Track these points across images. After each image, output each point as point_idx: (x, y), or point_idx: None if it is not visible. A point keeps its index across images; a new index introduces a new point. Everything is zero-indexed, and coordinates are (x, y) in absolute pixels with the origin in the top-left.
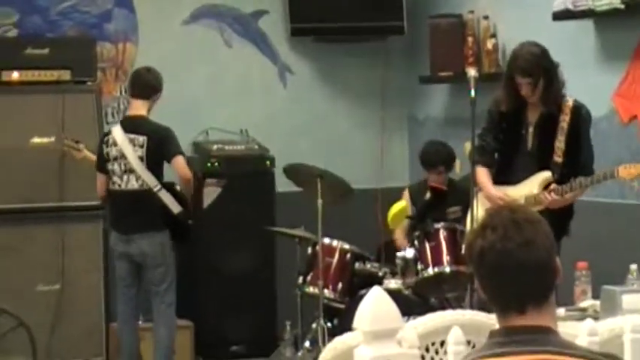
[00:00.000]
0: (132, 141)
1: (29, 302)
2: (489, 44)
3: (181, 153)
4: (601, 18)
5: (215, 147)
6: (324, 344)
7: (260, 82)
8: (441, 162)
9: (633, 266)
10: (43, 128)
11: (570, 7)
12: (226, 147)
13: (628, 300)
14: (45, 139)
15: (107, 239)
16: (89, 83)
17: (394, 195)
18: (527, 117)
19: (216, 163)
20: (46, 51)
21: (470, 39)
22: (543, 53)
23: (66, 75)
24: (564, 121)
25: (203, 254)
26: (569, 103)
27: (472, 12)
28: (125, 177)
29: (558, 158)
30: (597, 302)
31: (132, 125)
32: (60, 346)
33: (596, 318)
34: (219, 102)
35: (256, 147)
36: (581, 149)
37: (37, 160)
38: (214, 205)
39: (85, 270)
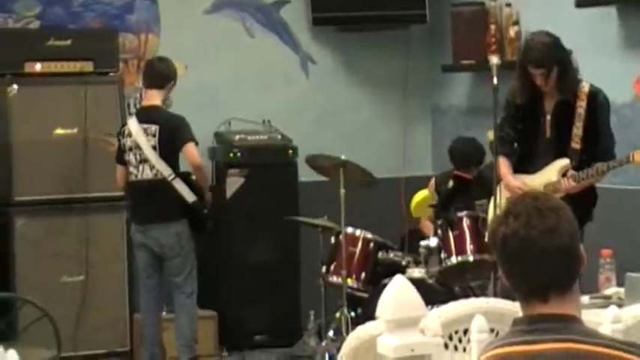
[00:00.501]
0: (145, 131)
1: (54, 293)
2: (512, 32)
3: (192, 140)
4: (624, 5)
5: (237, 137)
6: (347, 334)
7: (282, 72)
8: (471, 162)
9: None
10: (66, 120)
11: None
12: (249, 137)
13: None
14: (68, 131)
15: (130, 230)
16: (111, 74)
17: (417, 184)
18: (544, 106)
19: (239, 154)
20: (68, 42)
21: (492, 27)
22: (555, 42)
23: (88, 66)
24: (581, 107)
25: (226, 244)
26: (585, 88)
27: (494, 0)
28: (140, 167)
29: (576, 145)
30: (621, 290)
31: (145, 115)
32: (84, 337)
33: (620, 305)
34: (242, 92)
35: (279, 137)
36: (599, 134)
37: (61, 151)
38: (237, 195)
39: (108, 261)
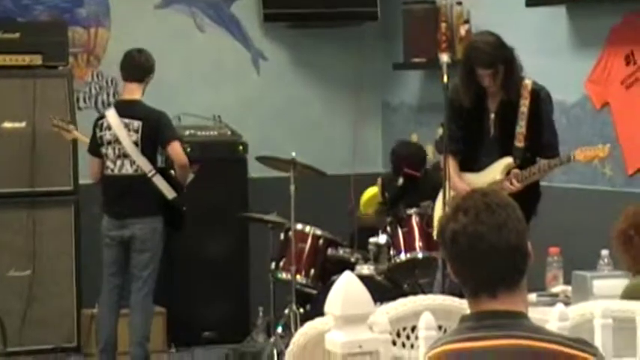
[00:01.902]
0: (126, 125)
1: (0, 288)
2: (462, 30)
3: (177, 138)
4: (574, 4)
5: (187, 132)
6: (296, 330)
7: (233, 67)
8: (412, 168)
9: (604, 252)
10: (15, 113)
11: None
12: (199, 133)
13: (599, 285)
14: (16, 124)
15: (79, 225)
16: (61, 68)
17: (367, 181)
18: (488, 104)
19: (189, 149)
20: (17, 35)
21: (443, 25)
22: (499, 41)
23: (37, 60)
24: (524, 105)
25: (175, 240)
26: (528, 86)
27: None
28: (119, 162)
29: (519, 143)
30: (568, 287)
31: (126, 109)
32: (31, 332)
33: (567, 303)
34: (192, 88)
35: (229, 133)
36: (543, 131)
37: (8, 145)
38: (187, 191)
39: (56, 255)
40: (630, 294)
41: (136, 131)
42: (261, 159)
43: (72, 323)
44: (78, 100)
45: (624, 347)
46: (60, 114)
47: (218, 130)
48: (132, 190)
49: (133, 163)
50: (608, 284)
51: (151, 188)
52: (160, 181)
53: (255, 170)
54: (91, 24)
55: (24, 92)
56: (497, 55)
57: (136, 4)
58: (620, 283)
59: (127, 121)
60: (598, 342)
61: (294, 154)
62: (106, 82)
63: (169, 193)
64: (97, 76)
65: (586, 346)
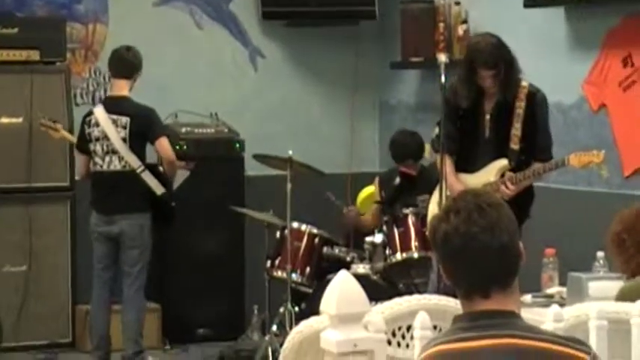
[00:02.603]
0: (115, 122)
1: None
2: (460, 30)
3: (165, 134)
4: (572, 6)
5: (184, 130)
6: (291, 328)
7: (231, 65)
8: (409, 156)
9: (600, 253)
10: (11, 108)
11: None
12: (195, 130)
13: (594, 287)
14: (13, 120)
15: (75, 220)
16: (58, 64)
17: (364, 180)
18: (484, 105)
19: (185, 146)
20: (15, 30)
21: (441, 25)
22: (501, 42)
23: (35, 55)
24: (520, 107)
25: (171, 237)
26: (525, 88)
27: None
28: (107, 158)
29: (515, 145)
30: (564, 289)
31: (114, 106)
32: (26, 328)
33: (562, 304)
34: (190, 85)
35: (226, 130)
36: (537, 133)
37: (5, 140)
38: (182, 188)
39: (52, 251)
40: (625, 296)
41: (124, 127)
42: (258, 157)
43: (67, 319)
44: (75, 96)
45: (619, 349)
46: (57, 110)
47: (215, 128)
48: (120, 186)
49: (121, 159)
50: (604, 286)
51: (140, 184)
52: (148, 177)
53: (252, 168)
54: (89, 20)
55: (21, 88)
56: (500, 56)
57: (135, 0)
58: (616, 285)
59: (115, 117)
60: (593, 343)
61: (290, 152)
62: (104, 79)
63: (158, 189)
64: (95, 73)
65: (580, 344)
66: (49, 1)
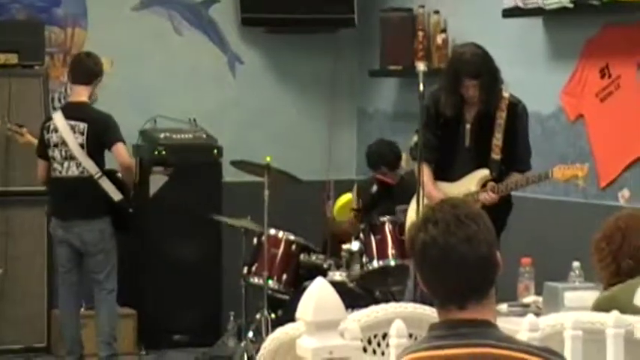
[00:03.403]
0: (72, 128)
1: None
2: (439, 39)
3: (121, 140)
4: (550, 16)
5: (162, 135)
6: (267, 335)
7: (210, 71)
8: (384, 163)
9: (576, 263)
10: None
11: (520, 4)
12: (174, 135)
13: (570, 297)
14: None
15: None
16: (36, 68)
17: (341, 187)
18: (464, 115)
19: (164, 152)
20: None
21: (420, 33)
22: (485, 53)
23: (13, 59)
24: (501, 117)
25: (148, 242)
26: (506, 99)
27: (423, 6)
28: (66, 164)
29: (496, 155)
30: (540, 298)
31: (73, 112)
32: (1, 332)
33: (538, 314)
34: (169, 90)
35: (204, 136)
36: (517, 144)
37: None
38: (161, 194)
39: (28, 255)
40: (601, 306)
41: (82, 133)
42: (236, 163)
43: (42, 323)
44: (53, 100)
45: (594, 359)
46: (35, 113)
47: (193, 134)
48: (78, 192)
49: (79, 165)
50: (579, 296)
51: (98, 190)
52: (106, 183)
53: (230, 174)
54: (67, 24)
55: None
56: (485, 67)
57: (114, 5)
58: (591, 295)
59: (73, 123)
60: (568, 353)
61: (268, 159)
62: None
63: (115, 195)
64: None
65: (554, 355)
66: (28, 4)
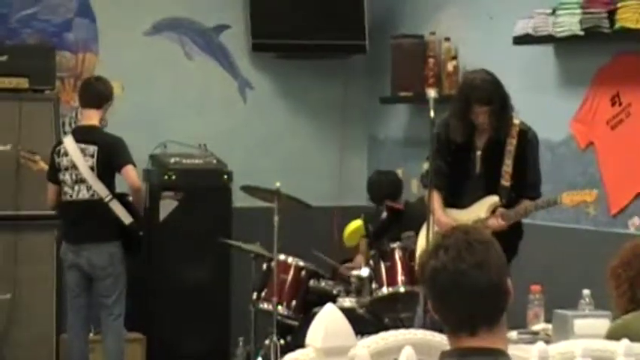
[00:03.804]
0: (83, 151)
1: None
2: (450, 66)
3: (131, 162)
4: (561, 44)
5: (172, 160)
6: None
7: (220, 96)
8: (385, 196)
9: (586, 291)
10: (0, 136)
11: (531, 32)
12: (184, 160)
13: (580, 325)
14: (1, 147)
15: (59, 249)
16: (47, 92)
17: (351, 214)
18: (475, 141)
19: (173, 176)
20: (4, 58)
21: (431, 60)
22: (496, 79)
23: (24, 83)
24: (511, 144)
25: (158, 267)
26: (516, 126)
27: (434, 33)
28: (76, 187)
29: (506, 182)
30: (549, 326)
31: (83, 135)
32: (10, 356)
33: (548, 342)
34: (179, 115)
35: (214, 161)
36: (527, 171)
37: None
38: (170, 218)
39: (37, 280)
40: (616, 334)
41: (92, 156)
42: (246, 189)
43: (51, 348)
44: (64, 124)
45: None
46: (45, 138)
47: (203, 159)
48: (89, 216)
49: (89, 188)
50: (589, 324)
51: (108, 213)
52: (116, 206)
53: (240, 200)
54: (79, 49)
55: (10, 115)
56: (495, 93)
57: (125, 30)
58: (602, 323)
59: (83, 146)
60: None
61: (278, 184)
62: None
63: (126, 218)
64: None
65: None
66: (39, 29)
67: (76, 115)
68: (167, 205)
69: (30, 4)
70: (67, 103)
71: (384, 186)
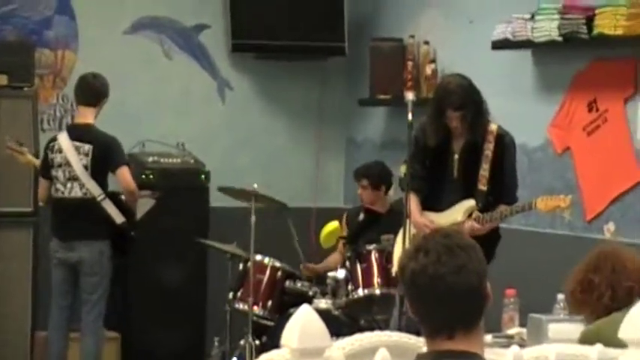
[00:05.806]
0: (77, 149)
1: None
2: (429, 69)
3: (126, 164)
4: (539, 49)
5: (150, 159)
6: None
7: (199, 96)
8: (365, 176)
9: (560, 296)
10: None
11: (509, 36)
12: (162, 160)
13: (554, 329)
14: None
15: (37, 246)
16: (26, 89)
17: (328, 215)
18: (452, 145)
19: (151, 176)
20: None
21: (409, 63)
22: (471, 84)
23: (3, 80)
24: (488, 149)
25: (134, 266)
26: (494, 131)
27: (413, 37)
28: (69, 184)
29: (483, 186)
30: (524, 330)
31: (78, 133)
32: None
33: (522, 345)
34: (157, 114)
35: (192, 161)
36: (504, 176)
37: None
38: (147, 218)
39: (13, 277)
40: (589, 338)
41: (86, 155)
42: (223, 189)
43: (26, 345)
44: (42, 121)
45: None
46: (23, 135)
47: (181, 158)
48: (81, 213)
49: (82, 186)
50: (564, 328)
51: (100, 212)
52: (108, 206)
53: (217, 200)
54: (58, 46)
55: None
56: (469, 98)
57: (105, 28)
58: (576, 328)
59: (77, 144)
60: None
61: (255, 185)
62: (71, 105)
63: (118, 217)
64: (62, 99)
65: None
66: (18, 26)
67: (55, 111)
68: (144, 204)
69: (9, 1)
70: (45, 100)
71: (371, 167)
